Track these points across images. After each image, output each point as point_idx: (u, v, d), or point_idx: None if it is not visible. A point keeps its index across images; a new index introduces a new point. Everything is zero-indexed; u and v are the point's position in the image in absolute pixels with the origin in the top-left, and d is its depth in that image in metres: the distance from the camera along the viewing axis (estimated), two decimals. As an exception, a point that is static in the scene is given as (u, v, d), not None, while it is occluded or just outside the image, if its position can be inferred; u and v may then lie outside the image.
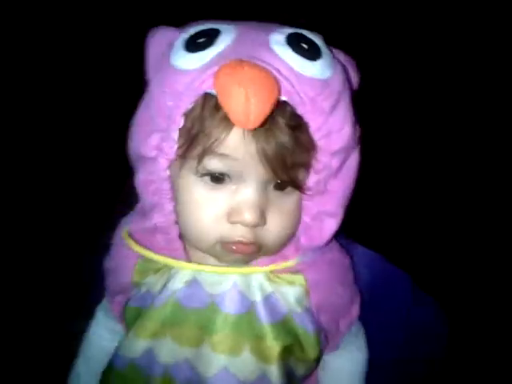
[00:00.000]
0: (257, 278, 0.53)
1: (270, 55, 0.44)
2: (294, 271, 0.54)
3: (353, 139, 0.48)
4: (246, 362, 0.53)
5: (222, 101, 0.41)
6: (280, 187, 0.48)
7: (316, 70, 0.44)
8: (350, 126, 0.47)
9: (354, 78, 0.53)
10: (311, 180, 0.48)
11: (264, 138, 0.44)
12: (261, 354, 0.53)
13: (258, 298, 0.53)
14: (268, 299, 0.53)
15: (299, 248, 0.53)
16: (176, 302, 0.54)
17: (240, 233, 0.48)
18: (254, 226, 0.47)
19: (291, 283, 0.54)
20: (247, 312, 0.53)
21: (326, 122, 0.45)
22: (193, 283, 0.53)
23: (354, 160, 0.50)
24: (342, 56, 0.51)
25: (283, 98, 0.43)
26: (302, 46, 0.45)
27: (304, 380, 0.60)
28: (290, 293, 0.54)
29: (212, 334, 0.52)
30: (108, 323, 0.65)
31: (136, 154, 0.50)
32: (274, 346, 0.52)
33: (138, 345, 0.55)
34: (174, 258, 0.53)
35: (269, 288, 0.53)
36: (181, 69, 0.44)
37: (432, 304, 0.63)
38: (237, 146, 0.44)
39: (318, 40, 0.47)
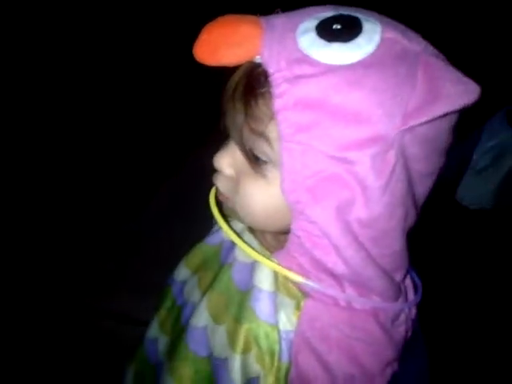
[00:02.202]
0: (266, 271, 0.51)
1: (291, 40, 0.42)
2: (300, 289, 0.50)
3: None
4: (220, 335, 0.53)
5: None
6: (251, 161, 0.46)
7: (332, 52, 0.40)
8: None
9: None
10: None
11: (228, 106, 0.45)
12: (231, 338, 0.51)
13: (259, 284, 0.51)
14: (267, 295, 0.50)
15: (302, 268, 0.47)
16: (218, 250, 0.60)
17: (217, 181, 0.50)
18: (219, 172, 0.49)
19: (291, 297, 0.50)
20: (245, 291, 0.52)
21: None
22: (233, 241, 0.54)
23: None
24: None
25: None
26: (334, 29, 0.41)
27: None
28: (286, 304, 0.49)
29: (213, 289, 0.55)
30: None
31: None
32: (242, 337, 0.50)
33: (183, 272, 0.63)
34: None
35: (271, 287, 0.50)
36: None
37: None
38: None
39: (368, 23, 0.41)
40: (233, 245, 0.56)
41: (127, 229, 1.73)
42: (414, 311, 0.54)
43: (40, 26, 1.95)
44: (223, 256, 0.58)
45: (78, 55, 2.03)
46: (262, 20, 0.44)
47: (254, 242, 0.54)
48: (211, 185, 0.54)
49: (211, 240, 0.62)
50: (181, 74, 2.07)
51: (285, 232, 0.50)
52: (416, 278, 0.56)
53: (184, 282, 0.63)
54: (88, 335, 1.36)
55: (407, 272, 0.52)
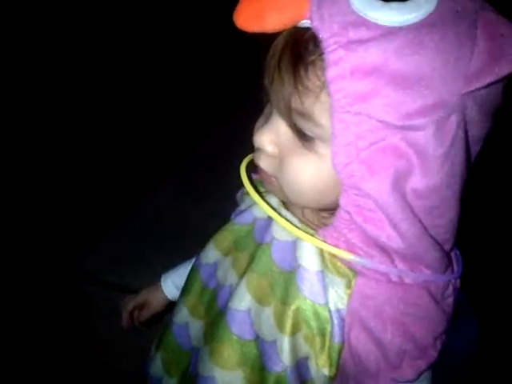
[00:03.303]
0: (311, 249, 0.48)
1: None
2: (349, 267, 0.48)
3: None
4: (266, 317, 0.50)
5: None
6: (299, 136, 0.43)
7: (391, 12, 0.37)
8: None
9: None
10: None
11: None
12: (279, 319, 0.49)
13: (304, 263, 0.48)
14: (314, 274, 0.48)
15: (350, 244, 0.46)
16: (251, 230, 0.56)
17: (259, 160, 0.47)
18: (261, 150, 0.47)
19: (341, 275, 0.48)
20: (290, 271, 0.50)
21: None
22: (267, 219, 0.54)
23: None
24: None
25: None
26: None
27: None
28: (336, 283, 0.47)
29: (252, 271, 0.52)
30: None
31: None
32: (290, 318, 0.48)
33: (212, 254, 0.60)
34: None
35: (318, 266, 0.48)
36: None
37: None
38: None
39: None
40: (268, 223, 0.54)
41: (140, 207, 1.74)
42: (458, 281, 0.53)
43: (39, 25, 1.89)
44: (258, 235, 0.55)
45: (79, 45, 1.98)
46: None
47: (294, 219, 0.51)
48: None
49: (241, 219, 0.59)
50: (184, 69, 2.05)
51: (327, 208, 0.48)
52: (455, 248, 0.55)
53: (215, 265, 0.60)
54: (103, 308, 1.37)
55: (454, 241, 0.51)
